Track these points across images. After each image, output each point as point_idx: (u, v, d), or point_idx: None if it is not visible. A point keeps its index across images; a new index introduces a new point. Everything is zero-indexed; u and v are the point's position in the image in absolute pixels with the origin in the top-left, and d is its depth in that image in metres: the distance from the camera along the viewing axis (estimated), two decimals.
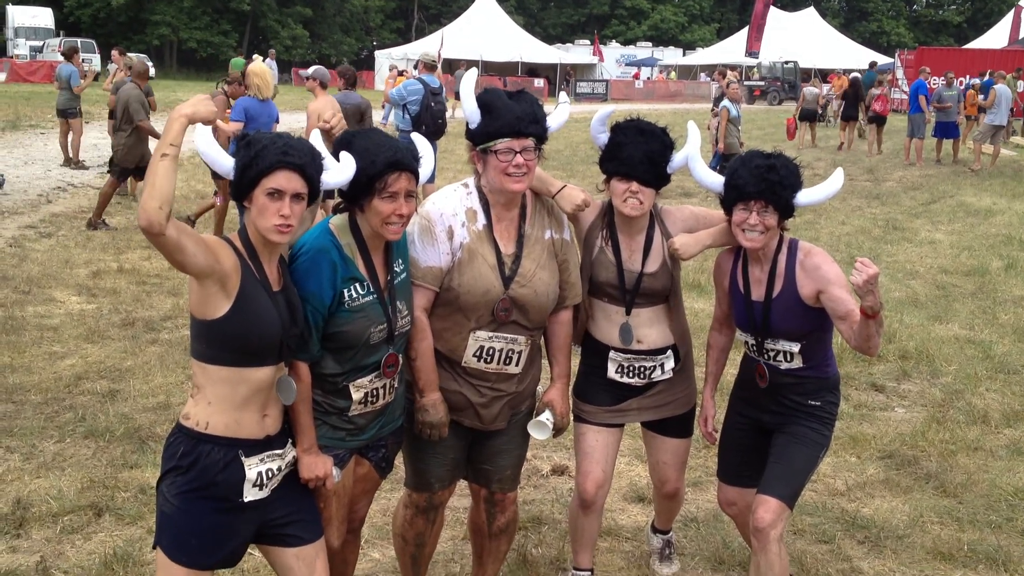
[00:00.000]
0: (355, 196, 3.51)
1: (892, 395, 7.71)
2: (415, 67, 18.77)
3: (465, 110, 3.86)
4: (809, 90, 29.34)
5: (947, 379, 8.08)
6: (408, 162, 3.51)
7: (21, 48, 56.07)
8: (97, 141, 22.46)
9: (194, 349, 3.27)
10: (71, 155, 19.18)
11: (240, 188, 3.24)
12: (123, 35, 63.78)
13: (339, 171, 3.43)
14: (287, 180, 3.20)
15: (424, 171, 3.67)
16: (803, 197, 4.02)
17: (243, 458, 3.24)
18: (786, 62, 55.15)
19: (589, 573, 4.59)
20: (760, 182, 3.93)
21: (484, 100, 3.86)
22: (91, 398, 6.98)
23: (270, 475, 3.31)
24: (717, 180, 4.16)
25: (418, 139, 3.87)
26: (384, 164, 3.45)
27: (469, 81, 4.00)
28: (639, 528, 5.33)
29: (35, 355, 7.87)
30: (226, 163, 3.25)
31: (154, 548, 3.29)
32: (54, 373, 7.47)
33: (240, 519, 3.28)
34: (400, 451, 4.05)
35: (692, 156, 4.25)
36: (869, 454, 6.46)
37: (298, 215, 3.25)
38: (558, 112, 4.15)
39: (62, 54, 21.08)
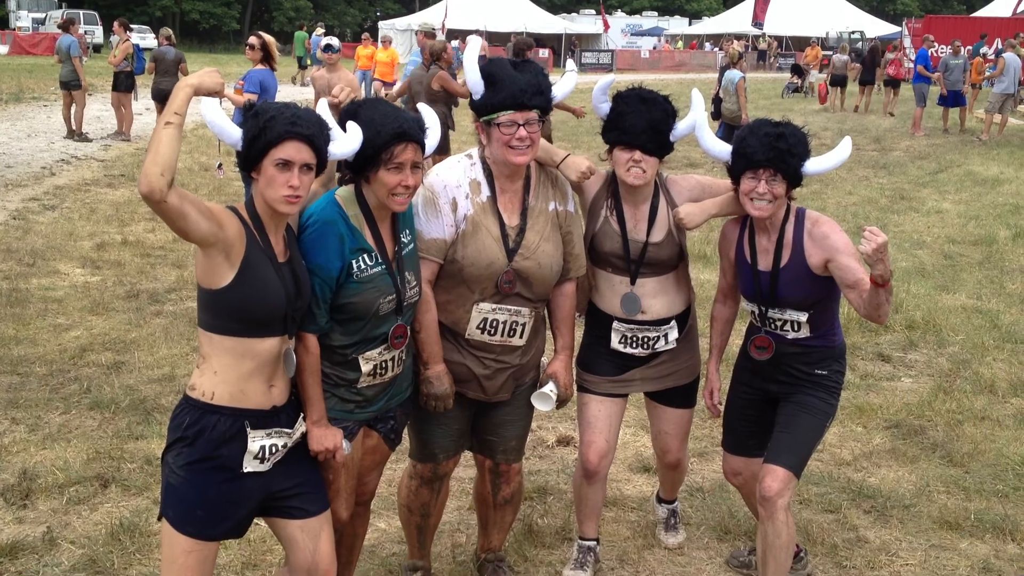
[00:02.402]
0: (361, 167, 3.48)
1: (899, 365, 7.69)
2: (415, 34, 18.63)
3: (469, 81, 3.82)
4: (838, 57, 31.64)
5: (954, 349, 8.06)
6: (414, 133, 3.48)
7: (23, 20, 55.83)
8: (100, 113, 22.41)
9: (200, 319, 3.25)
10: (74, 127, 19.12)
11: (248, 159, 3.21)
12: (125, 6, 63.44)
13: (346, 142, 3.40)
14: (296, 151, 3.17)
15: (430, 143, 3.64)
16: (811, 165, 3.98)
17: (248, 430, 3.23)
18: (852, 32, 54.24)
19: (595, 542, 4.60)
20: (769, 150, 3.89)
21: (488, 71, 3.81)
22: (96, 370, 6.97)
23: (273, 450, 3.29)
24: (724, 149, 4.12)
25: (425, 110, 3.84)
26: (390, 135, 3.42)
27: (473, 51, 3.95)
28: (644, 498, 5.33)
29: (40, 327, 7.87)
30: (234, 133, 3.21)
31: (160, 519, 3.29)
32: (59, 345, 7.47)
33: (245, 490, 3.27)
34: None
35: (699, 124, 4.21)
36: (875, 424, 6.45)
37: (307, 186, 3.23)
38: (564, 81, 4.11)
39: (59, 26, 20.98)
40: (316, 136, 3.23)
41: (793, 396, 4.13)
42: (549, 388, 4.09)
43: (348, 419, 3.62)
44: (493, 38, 54.42)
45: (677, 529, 4.94)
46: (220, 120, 3.21)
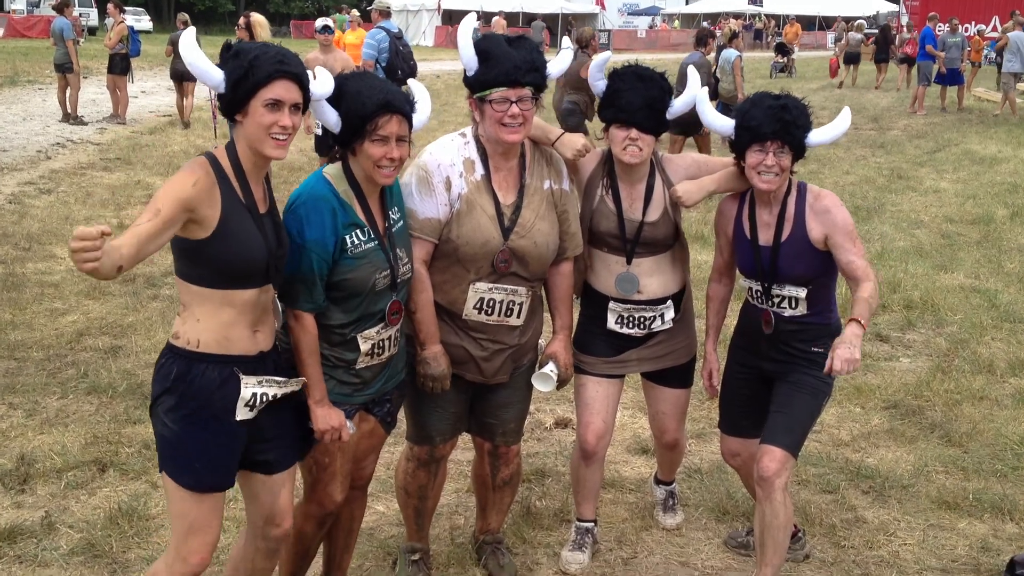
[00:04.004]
0: (347, 139, 3.47)
1: (897, 345, 7.69)
2: (365, 18, 18.52)
3: (462, 57, 3.80)
4: (853, 35, 32.65)
5: (952, 328, 8.05)
6: (399, 105, 3.46)
7: (18, 3, 55.57)
8: (95, 96, 22.33)
9: (177, 268, 3.19)
10: (69, 110, 19.04)
11: (233, 102, 3.14)
12: None
13: (322, 82, 3.38)
14: (286, 90, 3.12)
15: (420, 118, 3.62)
16: (814, 137, 4.00)
17: (241, 376, 3.19)
18: (890, 13, 53.63)
19: (592, 524, 4.60)
20: (775, 122, 3.89)
21: (481, 47, 3.79)
22: (93, 354, 6.96)
23: (264, 399, 3.25)
24: (727, 123, 4.11)
25: (416, 86, 3.83)
26: (375, 106, 3.40)
27: (467, 27, 3.93)
28: (643, 480, 5.33)
29: (36, 312, 7.85)
30: (216, 75, 3.14)
31: (161, 471, 3.25)
32: (56, 330, 7.45)
33: (238, 438, 3.24)
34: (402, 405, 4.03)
35: (700, 99, 4.22)
36: (874, 404, 6.45)
37: (296, 126, 3.18)
38: (560, 57, 4.09)
39: (53, 8, 20.86)
40: (303, 75, 3.19)
41: (789, 376, 4.12)
42: (549, 368, 4.09)
43: (346, 403, 3.61)
44: (489, 18, 54.23)
45: (675, 510, 4.94)
46: (200, 62, 3.14)
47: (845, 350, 3.57)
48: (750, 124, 3.94)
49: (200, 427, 3.17)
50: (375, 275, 3.51)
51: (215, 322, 3.15)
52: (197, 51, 3.18)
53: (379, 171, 3.47)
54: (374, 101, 3.41)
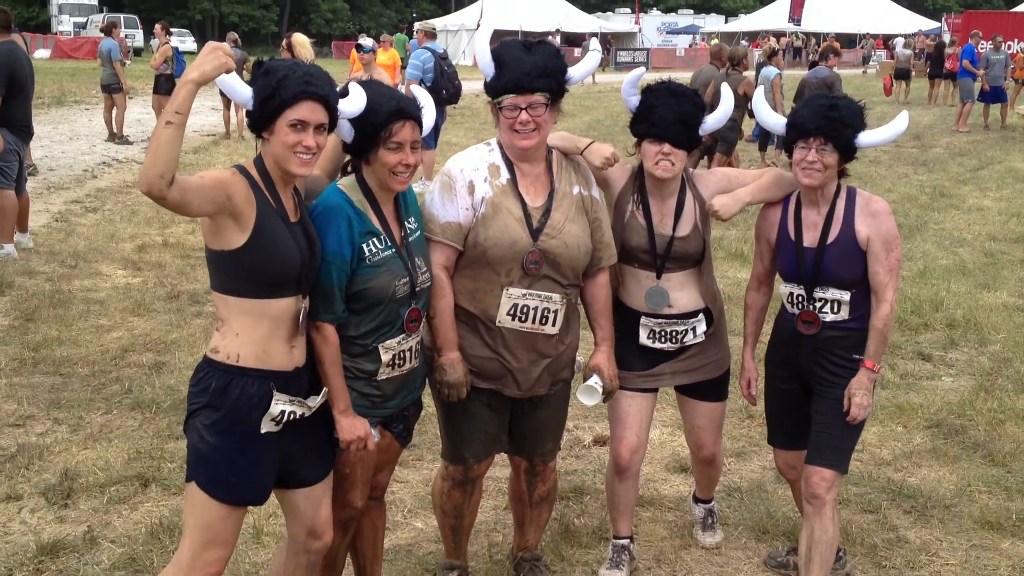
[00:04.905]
0: (361, 149, 3.50)
1: (939, 364, 7.61)
2: (410, 35, 18.87)
3: (480, 63, 3.84)
4: (901, 51, 33.96)
5: (995, 347, 7.96)
6: (412, 111, 3.51)
7: (65, 24, 56.59)
8: (140, 116, 22.63)
9: (214, 282, 3.24)
10: (115, 130, 19.32)
11: (261, 119, 3.19)
12: (165, 10, 64.16)
13: (353, 100, 3.40)
14: (311, 111, 3.17)
15: (426, 122, 3.65)
16: (865, 138, 4.01)
17: (275, 392, 3.22)
18: (932, 31, 53.24)
19: (628, 540, 4.59)
20: (820, 119, 3.92)
21: (497, 53, 3.82)
22: (137, 370, 7.04)
23: (291, 417, 3.29)
24: (780, 121, 4.19)
25: (417, 90, 3.89)
26: (388, 113, 3.44)
27: (484, 35, 3.96)
28: (682, 498, 5.31)
29: (82, 328, 7.96)
30: (244, 92, 3.19)
31: (188, 481, 3.27)
32: (101, 346, 7.55)
33: (271, 453, 3.28)
34: (429, 418, 4.03)
35: (756, 100, 4.41)
36: (916, 423, 6.39)
37: (321, 146, 3.23)
38: (585, 60, 4.10)
39: (101, 30, 21.23)
40: (330, 95, 3.23)
41: (829, 391, 4.10)
42: (594, 381, 4.08)
43: (365, 416, 3.61)
44: (528, 37, 54.28)
45: (714, 528, 4.92)
46: (230, 79, 3.17)
47: (863, 398, 3.94)
48: (796, 120, 4.01)
49: (236, 441, 3.21)
50: (395, 283, 3.54)
51: (254, 335, 3.19)
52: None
53: (394, 178, 3.51)
54: (387, 109, 3.45)
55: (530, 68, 3.74)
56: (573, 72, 3.92)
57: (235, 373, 3.19)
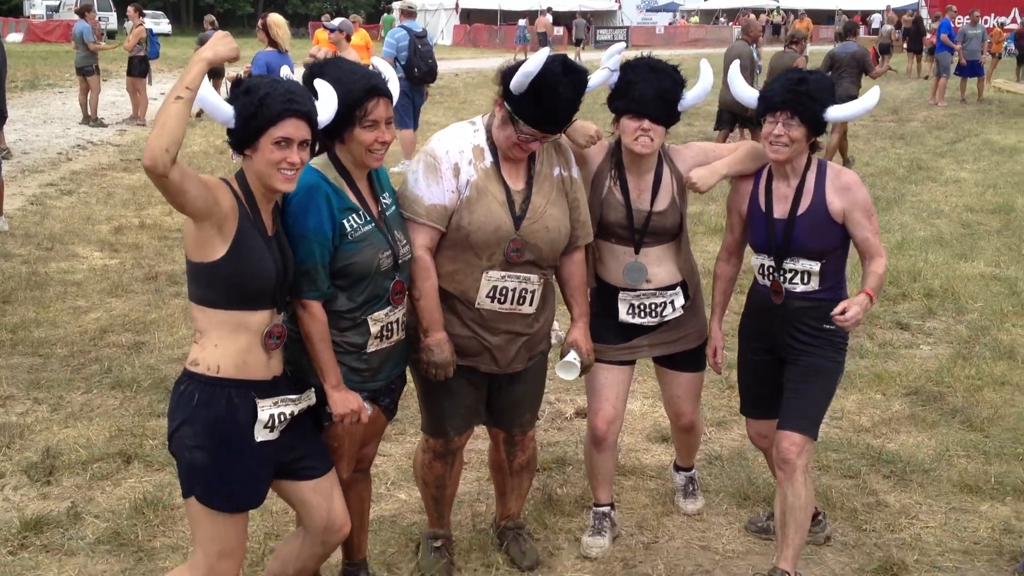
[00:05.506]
0: (335, 128, 3.47)
1: (917, 333, 7.67)
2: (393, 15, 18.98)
3: (519, 76, 3.66)
4: (885, 27, 35.81)
5: (973, 316, 8.03)
6: (384, 88, 3.50)
7: (38, 8, 55.97)
8: (115, 99, 22.46)
9: (192, 293, 3.24)
10: (90, 113, 19.18)
11: (244, 138, 3.18)
12: None
13: (325, 105, 3.37)
14: (295, 128, 3.16)
15: (394, 94, 3.62)
16: (833, 112, 4.02)
17: (257, 400, 3.24)
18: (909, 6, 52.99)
19: (609, 507, 4.62)
20: (787, 92, 3.95)
21: (536, 83, 3.66)
22: (116, 350, 7.02)
23: (282, 419, 3.30)
24: (753, 95, 4.21)
25: (378, 62, 3.88)
26: (362, 91, 3.42)
27: (538, 58, 3.70)
28: (663, 467, 5.34)
29: (60, 310, 7.92)
30: (226, 111, 3.17)
31: (187, 496, 3.28)
32: (79, 327, 7.51)
33: (263, 458, 3.29)
34: (411, 392, 4.04)
35: (732, 74, 4.36)
36: (894, 391, 6.44)
37: (304, 161, 3.23)
38: (592, 78, 4.00)
39: (76, 12, 21.02)
40: (312, 111, 3.23)
41: (800, 359, 4.13)
42: (572, 356, 4.10)
43: (356, 391, 3.61)
44: (507, 16, 54.15)
45: (695, 496, 4.95)
46: (211, 97, 3.16)
47: (856, 312, 3.78)
48: (766, 94, 4.04)
49: (227, 449, 3.21)
50: (378, 256, 3.54)
51: (233, 347, 3.20)
52: (207, 86, 3.17)
53: (371, 155, 3.50)
54: (360, 87, 3.43)
55: (560, 116, 3.81)
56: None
57: (216, 384, 3.20)
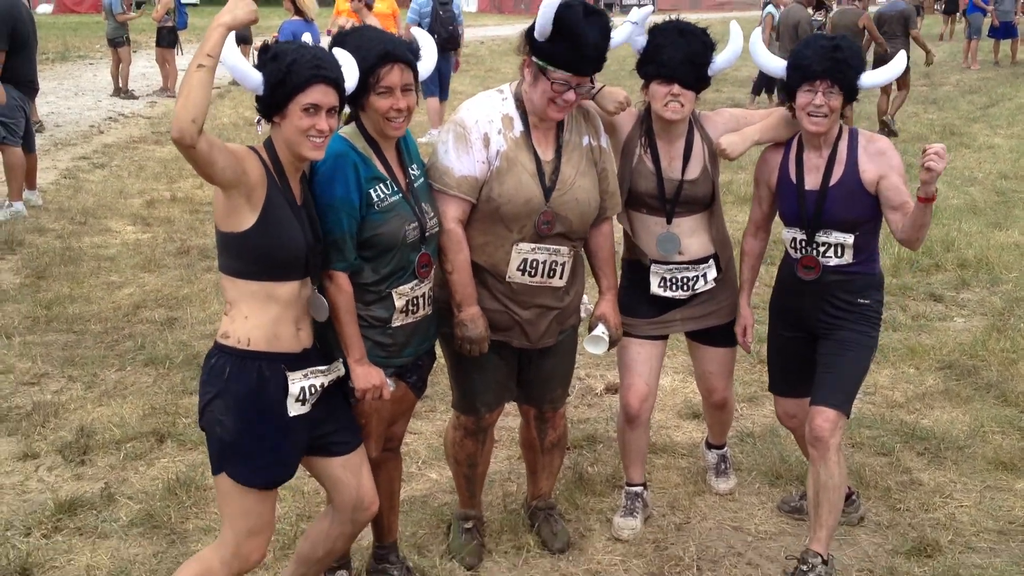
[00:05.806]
0: (355, 96, 3.44)
1: (951, 305, 7.60)
2: None
3: (540, 18, 3.62)
4: None
5: (1007, 287, 7.93)
6: (400, 53, 3.43)
7: None
8: (145, 70, 22.48)
9: (222, 264, 3.23)
10: (120, 85, 19.21)
11: (271, 105, 3.17)
12: None
13: (348, 74, 3.33)
14: (323, 95, 3.14)
15: (424, 66, 3.60)
16: (867, 79, 3.97)
17: (287, 372, 3.24)
18: None
19: (642, 487, 4.61)
20: (825, 60, 3.87)
21: (560, 18, 3.62)
22: (150, 326, 7.06)
23: (313, 391, 3.30)
24: (780, 64, 4.11)
25: (417, 32, 3.82)
26: (375, 57, 3.38)
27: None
28: (695, 444, 5.33)
29: (93, 285, 7.97)
30: (255, 77, 3.16)
31: (218, 473, 3.28)
32: (112, 303, 7.56)
33: (296, 433, 3.29)
34: (441, 369, 4.02)
35: (753, 42, 4.20)
36: (928, 365, 6.38)
37: (333, 128, 3.21)
38: (617, 33, 3.97)
39: None
40: (340, 77, 3.21)
41: (834, 333, 4.09)
42: (600, 330, 4.08)
43: (381, 367, 3.60)
44: None
45: (728, 475, 4.93)
46: (240, 63, 3.15)
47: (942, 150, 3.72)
48: (800, 63, 3.94)
49: (258, 423, 3.21)
50: (405, 228, 3.52)
51: (263, 319, 3.19)
52: (237, 54, 3.17)
53: (388, 124, 3.47)
54: (374, 53, 3.39)
55: (591, 52, 3.67)
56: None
57: (248, 357, 3.19)
